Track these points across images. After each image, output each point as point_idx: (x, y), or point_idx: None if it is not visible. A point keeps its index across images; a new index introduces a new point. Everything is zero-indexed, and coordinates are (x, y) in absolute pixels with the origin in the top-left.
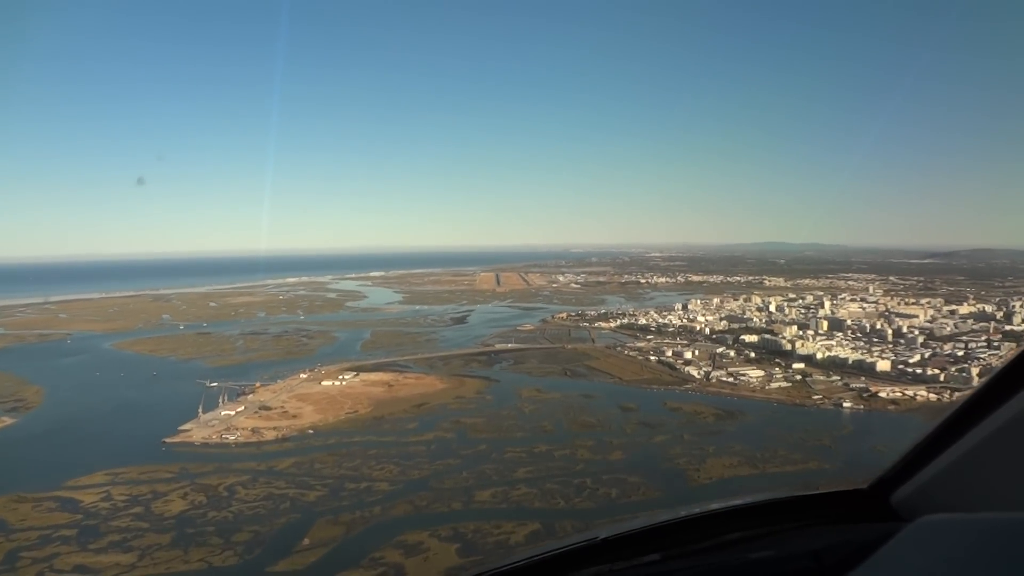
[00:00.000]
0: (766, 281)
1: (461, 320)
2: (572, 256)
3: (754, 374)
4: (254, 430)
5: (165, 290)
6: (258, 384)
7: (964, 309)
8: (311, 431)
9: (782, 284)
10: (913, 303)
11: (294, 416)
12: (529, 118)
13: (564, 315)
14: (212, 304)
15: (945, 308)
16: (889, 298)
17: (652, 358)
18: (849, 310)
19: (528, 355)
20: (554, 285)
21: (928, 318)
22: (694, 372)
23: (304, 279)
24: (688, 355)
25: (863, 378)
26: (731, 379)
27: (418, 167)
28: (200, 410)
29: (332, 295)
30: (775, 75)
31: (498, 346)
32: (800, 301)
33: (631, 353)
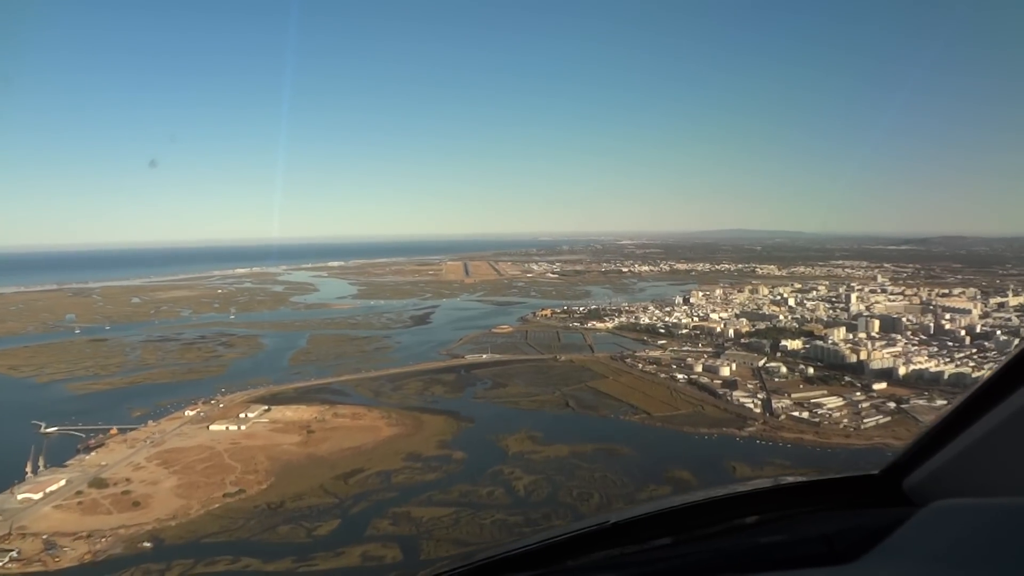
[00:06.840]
0: (758, 269)
1: (423, 319)
2: (542, 244)
3: (831, 403)
4: (48, 542)
5: (96, 283)
6: (114, 430)
7: (1013, 300)
8: (148, 542)
9: (776, 273)
10: (947, 294)
11: (136, 503)
12: (498, 107)
13: (547, 312)
14: (135, 300)
15: (992, 301)
16: (913, 289)
17: (678, 376)
18: (884, 304)
19: (511, 372)
20: (528, 275)
21: (981, 312)
22: (746, 400)
23: (256, 269)
24: (725, 371)
25: None
26: (805, 413)
27: (385, 154)
28: None
29: (279, 288)
30: (750, 65)
31: (469, 358)
32: (815, 292)
33: (647, 368)
